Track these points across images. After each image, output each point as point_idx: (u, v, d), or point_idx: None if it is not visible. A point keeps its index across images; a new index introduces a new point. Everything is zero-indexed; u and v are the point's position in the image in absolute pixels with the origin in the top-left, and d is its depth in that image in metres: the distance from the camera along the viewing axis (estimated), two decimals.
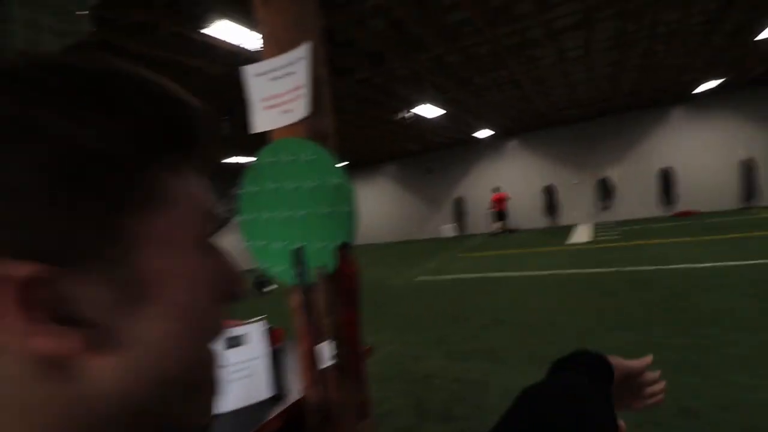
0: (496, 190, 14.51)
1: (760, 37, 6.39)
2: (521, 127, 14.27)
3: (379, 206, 18.19)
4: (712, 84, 10.44)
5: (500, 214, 14.32)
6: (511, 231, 14.64)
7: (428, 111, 8.70)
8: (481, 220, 15.96)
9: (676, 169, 12.94)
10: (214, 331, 0.29)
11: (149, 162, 0.25)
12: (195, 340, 0.27)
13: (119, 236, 0.23)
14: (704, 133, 12.61)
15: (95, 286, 0.22)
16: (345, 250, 0.98)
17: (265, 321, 1.22)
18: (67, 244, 0.22)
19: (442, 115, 10.15)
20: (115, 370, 0.23)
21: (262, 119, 1.07)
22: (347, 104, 8.32)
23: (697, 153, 12.72)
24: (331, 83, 1.46)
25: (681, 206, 12.85)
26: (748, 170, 11.92)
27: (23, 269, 0.20)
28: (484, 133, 13.40)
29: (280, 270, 1.04)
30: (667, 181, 12.95)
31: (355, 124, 10.12)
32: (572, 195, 14.48)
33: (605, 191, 13.80)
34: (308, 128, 1.01)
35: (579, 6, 5.51)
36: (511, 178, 15.28)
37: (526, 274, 7.13)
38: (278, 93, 1.03)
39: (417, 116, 9.35)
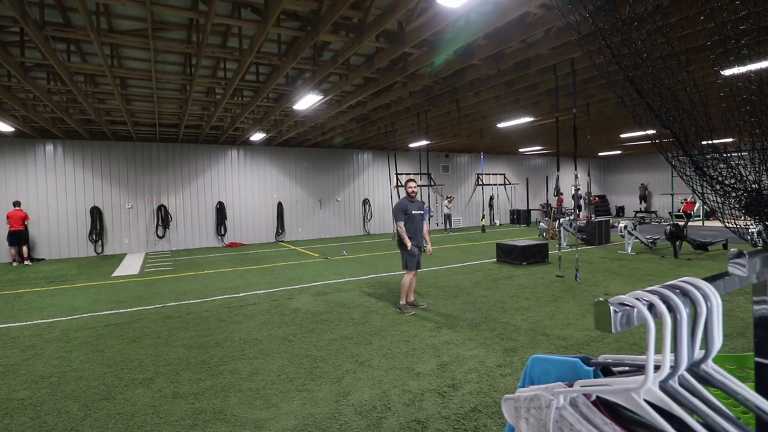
0: (17, 204, 10.82)
1: (296, 106, 8.17)
2: (66, 131, 11.54)
3: None
4: (259, 136, 12.40)
5: (16, 236, 10.62)
6: (33, 260, 11.26)
7: None
8: None
9: (229, 203, 14.38)
10: None
11: None
12: None
13: None
14: (253, 176, 14.83)
15: None
16: None
17: None
18: None
19: None
20: None
21: None
22: None
23: (246, 192, 14.72)
24: None
25: (231, 238, 14.30)
26: (281, 210, 15.00)
27: None
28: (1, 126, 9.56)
29: None
30: (222, 214, 14.12)
31: None
32: (125, 220, 13.00)
33: (163, 219, 13.28)
34: None
35: (144, 11, 4.85)
36: (48, 194, 11.92)
37: (35, 323, 5.30)
38: None
39: None
